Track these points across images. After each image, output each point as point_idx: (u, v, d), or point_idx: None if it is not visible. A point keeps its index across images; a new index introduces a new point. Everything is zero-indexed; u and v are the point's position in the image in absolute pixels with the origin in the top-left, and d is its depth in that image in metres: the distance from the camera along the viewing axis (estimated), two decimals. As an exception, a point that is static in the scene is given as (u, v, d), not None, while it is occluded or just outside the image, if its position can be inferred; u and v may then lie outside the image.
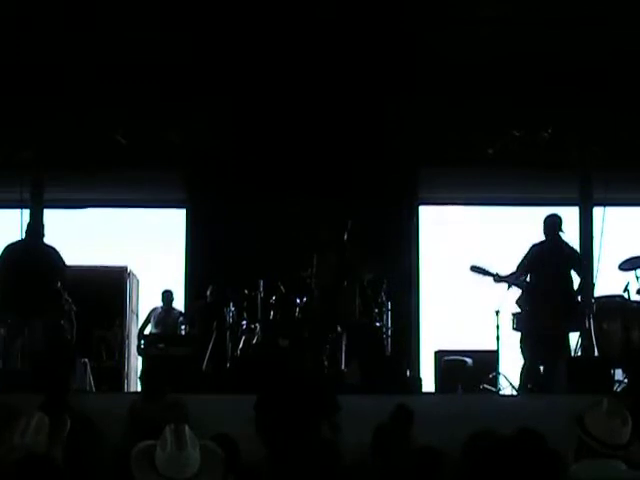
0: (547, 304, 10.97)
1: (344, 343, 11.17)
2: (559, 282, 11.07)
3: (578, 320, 11.20)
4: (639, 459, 5.03)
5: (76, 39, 12.36)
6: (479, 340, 11.91)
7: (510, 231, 13.83)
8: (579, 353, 11.20)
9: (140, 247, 13.39)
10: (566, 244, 11.49)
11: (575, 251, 11.58)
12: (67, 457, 4.76)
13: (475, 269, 11.19)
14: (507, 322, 11.57)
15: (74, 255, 12.31)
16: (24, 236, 11.41)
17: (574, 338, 11.36)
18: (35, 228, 11.44)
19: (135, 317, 14.09)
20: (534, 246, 11.29)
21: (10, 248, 11.33)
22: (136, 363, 13.28)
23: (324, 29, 12.18)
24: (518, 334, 11.44)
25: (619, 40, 12.19)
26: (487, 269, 11.16)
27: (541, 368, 11.15)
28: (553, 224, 11.31)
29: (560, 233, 11.28)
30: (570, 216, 12.64)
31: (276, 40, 12.38)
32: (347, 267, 11.47)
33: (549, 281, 11.04)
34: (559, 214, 11.53)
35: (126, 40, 12.50)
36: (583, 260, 11.70)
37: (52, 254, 11.10)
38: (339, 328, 11.21)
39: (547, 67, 12.83)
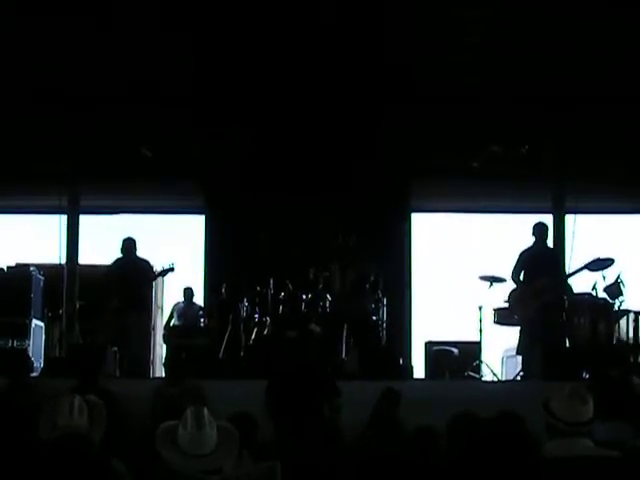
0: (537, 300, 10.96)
1: (344, 335, 11.20)
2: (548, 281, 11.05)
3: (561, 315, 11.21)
4: (604, 438, 5.05)
5: (108, 64, 12.37)
6: (464, 332, 11.94)
7: (491, 235, 13.85)
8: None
9: (165, 248, 13.40)
10: (552, 249, 11.47)
11: (561, 256, 11.56)
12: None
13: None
14: (489, 316, 11.59)
15: (106, 255, 12.37)
16: (122, 252, 11.79)
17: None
18: (130, 245, 11.77)
19: (160, 311, 14.10)
20: (524, 251, 11.28)
21: (116, 262, 11.84)
22: (161, 352, 13.30)
23: (323, 53, 12.14)
24: (500, 327, 11.46)
25: (588, 65, 12.20)
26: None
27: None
28: (542, 231, 11.35)
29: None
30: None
31: (286, 63, 12.35)
32: (364, 273, 11.48)
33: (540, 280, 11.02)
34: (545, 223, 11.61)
35: (151, 64, 12.52)
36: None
37: (145, 266, 11.76)
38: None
39: (525, 89, 12.84)
